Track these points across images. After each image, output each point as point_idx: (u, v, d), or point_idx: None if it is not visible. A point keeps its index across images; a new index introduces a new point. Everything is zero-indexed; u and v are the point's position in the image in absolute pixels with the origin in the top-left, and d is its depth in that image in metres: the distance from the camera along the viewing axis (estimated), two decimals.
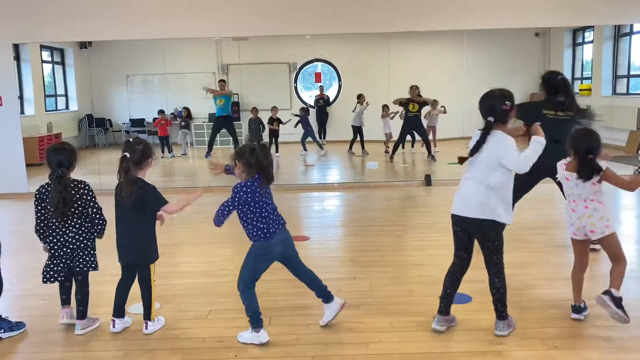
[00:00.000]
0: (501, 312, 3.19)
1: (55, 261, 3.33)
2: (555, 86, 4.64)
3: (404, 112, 10.19)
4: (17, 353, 3.24)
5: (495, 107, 3.06)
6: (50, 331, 3.46)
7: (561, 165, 3.30)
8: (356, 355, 3.06)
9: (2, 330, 3.36)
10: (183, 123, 12.15)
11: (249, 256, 3.22)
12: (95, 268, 3.43)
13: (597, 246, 4.32)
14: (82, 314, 3.41)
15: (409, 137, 10.85)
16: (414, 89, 10.05)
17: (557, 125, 4.55)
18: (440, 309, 3.28)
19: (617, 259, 3.26)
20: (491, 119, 3.04)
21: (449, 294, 3.28)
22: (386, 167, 10.15)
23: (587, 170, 3.15)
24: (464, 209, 3.14)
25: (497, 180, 3.05)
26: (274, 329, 3.39)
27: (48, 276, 3.34)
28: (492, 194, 3.06)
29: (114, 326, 3.40)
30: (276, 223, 3.19)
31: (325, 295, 3.41)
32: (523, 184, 4.69)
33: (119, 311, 3.42)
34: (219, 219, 3.16)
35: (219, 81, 11.64)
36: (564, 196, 3.47)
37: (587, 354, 3.03)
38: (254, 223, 3.14)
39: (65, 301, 3.48)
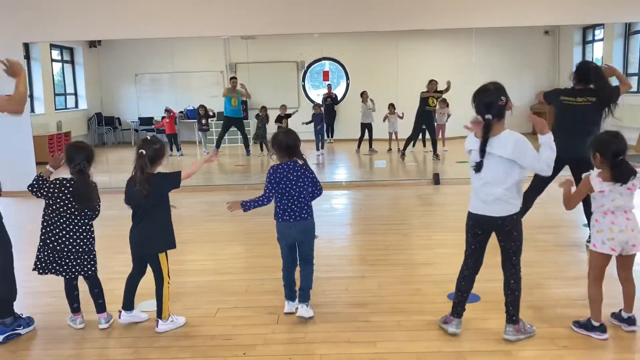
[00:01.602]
0: (512, 315, 3.13)
1: (47, 253, 3.33)
2: (586, 74, 4.59)
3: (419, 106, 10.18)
4: (30, 350, 3.27)
5: (493, 104, 2.94)
6: (61, 328, 3.49)
7: (595, 178, 3.09)
8: (364, 353, 3.06)
9: (22, 327, 3.41)
10: (204, 121, 12.05)
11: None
12: (94, 271, 3.45)
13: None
14: (102, 306, 3.47)
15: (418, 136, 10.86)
16: (433, 83, 10.03)
17: (575, 111, 4.51)
18: (459, 312, 3.24)
19: (632, 278, 3.18)
20: (489, 116, 2.92)
21: (467, 297, 3.25)
22: (394, 166, 10.14)
23: (624, 172, 2.98)
24: (491, 209, 3.04)
25: (515, 179, 2.99)
26: (282, 327, 3.40)
27: (40, 266, 3.36)
28: (512, 191, 3.01)
29: (119, 317, 3.45)
30: (294, 213, 3.37)
31: (304, 296, 3.49)
32: (545, 177, 4.67)
33: (127, 304, 3.46)
34: (267, 202, 3.42)
35: (231, 78, 11.64)
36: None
37: (596, 354, 3.02)
38: (276, 202, 3.38)
39: (77, 309, 3.49)
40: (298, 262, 3.55)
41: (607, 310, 3.28)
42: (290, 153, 3.37)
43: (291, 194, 3.34)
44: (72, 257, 3.33)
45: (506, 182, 2.97)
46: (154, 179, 3.29)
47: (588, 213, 4.73)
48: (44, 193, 3.32)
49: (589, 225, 4.74)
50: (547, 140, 2.95)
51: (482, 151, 2.96)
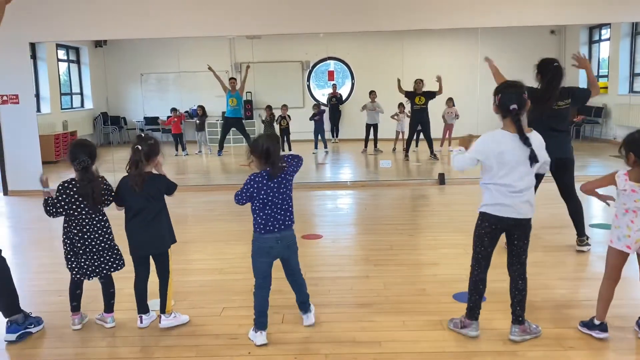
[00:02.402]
0: (519, 316, 3.12)
1: (83, 258, 3.34)
2: (546, 70, 4.57)
3: (409, 105, 10.25)
4: (38, 348, 3.29)
5: (518, 95, 2.95)
6: (67, 327, 3.50)
7: (622, 176, 3.02)
8: (369, 353, 3.06)
9: (33, 325, 3.43)
10: (198, 122, 12.11)
11: (252, 249, 3.24)
12: (123, 264, 3.50)
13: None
14: (112, 307, 3.51)
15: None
16: (418, 82, 10.10)
17: (557, 114, 4.52)
18: (477, 315, 3.21)
19: None
20: (515, 106, 2.91)
21: (481, 299, 3.22)
22: (399, 166, 10.13)
23: None
24: (522, 211, 3.02)
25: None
26: (287, 326, 3.40)
27: (82, 272, 3.37)
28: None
29: (141, 322, 3.45)
30: (277, 222, 3.14)
31: (304, 307, 3.43)
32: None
33: (143, 307, 3.46)
34: (239, 202, 3.21)
35: (230, 79, 11.66)
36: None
37: (603, 355, 3.00)
38: (255, 215, 3.17)
39: (76, 308, 3.49)
40: (288, 280, 3.41)
41: (616, 310, 3.27)
42: (268, 159, 3.06)
43: (274, 202, 3.11)
44: (99, 255, 3.35)
45: (533, 182, 3.02)
46: (156, 179, 3.30)
47: (574, 217, 4.73)
48: (62, 210, 3.32)
49: (576, 226, 4.74)
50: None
51: (527, 142, 2.91)
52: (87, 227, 3.33)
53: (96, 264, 3.37)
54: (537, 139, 3.00)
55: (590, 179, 3.19)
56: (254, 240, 3.20)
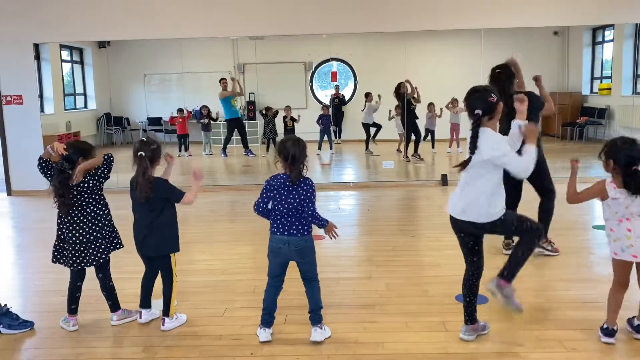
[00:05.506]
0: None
1: (63, 245, 3.37)
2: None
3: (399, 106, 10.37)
4: (39, 348, 3.30)
5: (482, 100, 2.90)
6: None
7: (610, 184, 2.99)
8: (372, 354, 3.06)
9: (1, 326, 3.39)
10: (206, 121, 12.10)
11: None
12: (115, 248, 3.46)
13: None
14: (114, 307, 3.50)
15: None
16: (403, 85, 10.21)
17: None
18: (466, 319, 3.18)
19: None
20: (479, 111, 2.87)
21: (470, 302, 3.16)
22: (402, 167, 10.12)
23: (637, 184, 2.90)
24: (470, 214, 2.98)
25: (495, 181, 2.92)
26: (290, 327, 3.40)
27: (59, 257, 3.40)
28: (491, 197, 2.94)
29: (140, 317, 3.46)
30: (285, 227, 3.12)
31: (312, 318, 3.25)
32: (515, 192, 4.42)
33: (145, 302, 3.48)
34: (257, 210, 3.19)
35: (220, 80, 11.61)
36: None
37: (606, 357, 2.99)
38: (271, 214, 3.14)
39: (74, 311, 3.48)
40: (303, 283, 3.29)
41: (619, 313, 3.26)
42: (293, 164, 3.06)
43: (285, 206, 3.09)
44: (71, 247, 3.33)
45: (487, 183, 2.94)
46: (157, 183, 3.27)
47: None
48: (48, 173, 3.34)
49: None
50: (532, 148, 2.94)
51: (473, 147, 2.87)
52: (64, 217, 3.33)
53: (65, 252, 3.36)
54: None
55: (593, 180, 3.16)
56: (269, 239, 3.21)
